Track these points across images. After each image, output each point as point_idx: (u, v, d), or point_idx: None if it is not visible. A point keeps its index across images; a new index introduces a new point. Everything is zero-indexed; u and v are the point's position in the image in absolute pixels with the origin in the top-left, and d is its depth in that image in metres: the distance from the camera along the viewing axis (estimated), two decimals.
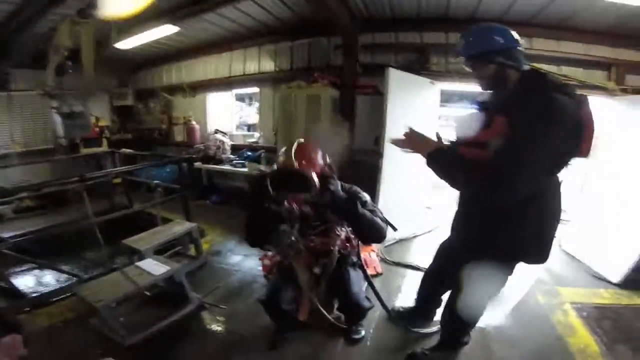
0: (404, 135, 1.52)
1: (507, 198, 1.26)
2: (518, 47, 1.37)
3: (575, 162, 1.35)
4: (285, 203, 1.67)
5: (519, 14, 3.33)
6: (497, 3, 3.21)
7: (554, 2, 2.98)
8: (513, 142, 1.20)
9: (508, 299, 2.43)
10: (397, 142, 1.56)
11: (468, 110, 1.55)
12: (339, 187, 1.64)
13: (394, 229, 1.83)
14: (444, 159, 1.39)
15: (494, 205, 1.34)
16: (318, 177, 1.56)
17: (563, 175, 1.39)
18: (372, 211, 1.70)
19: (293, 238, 1.79)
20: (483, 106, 1.45)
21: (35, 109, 5.31)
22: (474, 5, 3.31)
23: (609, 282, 2.74)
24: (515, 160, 1.19)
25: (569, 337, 2.09)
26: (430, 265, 2.02)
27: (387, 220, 1.78)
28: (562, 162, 1.33)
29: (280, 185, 1.56)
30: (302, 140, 1.70)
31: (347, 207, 1.61)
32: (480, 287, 1.52)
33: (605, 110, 3.13)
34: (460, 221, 1.64)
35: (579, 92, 1.33)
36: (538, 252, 1.43)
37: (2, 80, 4.43)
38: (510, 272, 1.53)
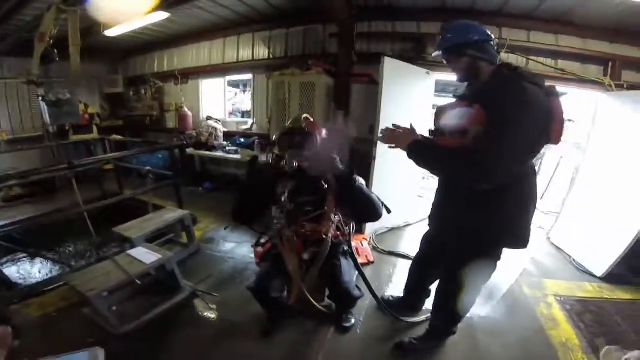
0: (385, 131, 1.63)
1: (489, 182, 1.32)
2: (490, 42, 1.48)
3: (547, 149, 1.45)
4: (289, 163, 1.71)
5: (518, 7, 3.30)
6: None
7: None
8: (489, 128, 1.27)
9: (496, 289, 2.49)
10: (381, 139, 1.65)
11: (448, 101, 1.65)
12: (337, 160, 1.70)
13: (389, 211, 1.89)
14: (422, 150, 1.49)
15: (472, 192, 1.41)
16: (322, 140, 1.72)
17: (537, 164, 1.47)
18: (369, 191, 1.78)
19: (281, 223, 1.82)
20: (462, 97, 1.54)
21: (22, 97, 5.19)
22: None
23: (594, 275, 2.78)
24: (493, 143, 1.25)
25: (552, 329, 2.14)
26: (416, 254, 2.07)
27: (382, 201, 1.83)
28: (535, 148, 1.40)
29: (284, 143, 1.74)
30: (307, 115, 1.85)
31: (345, 177, 1.68)
32: (469, 276, 1.56)
33: (600, 105, 3.15)
34: (439, 209, 1.73)
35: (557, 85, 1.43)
36: (517, 237, 1.49)
37: None
38: (497, 259, 1.58)
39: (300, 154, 1.67)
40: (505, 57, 3.51)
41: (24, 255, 3.39)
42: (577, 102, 3.84)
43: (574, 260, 3.03)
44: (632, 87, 3.23)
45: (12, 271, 3.22)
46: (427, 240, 1.98)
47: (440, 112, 1.61)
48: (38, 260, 3.35)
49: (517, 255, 2.96)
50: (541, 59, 3.55)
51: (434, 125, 1.60)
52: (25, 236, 3.20)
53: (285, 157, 1.70)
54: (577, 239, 3.11)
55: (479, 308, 2.26)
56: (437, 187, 1.75)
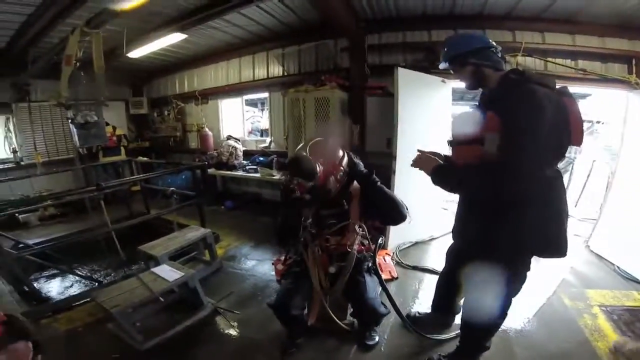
0: (415, 158, 1.68)
1: (513, 194, 1.32)
2: (491, 49, 1.51)
3: (572, 152, 1.40)
4: (296, 189, 1.75)
5: (528, 9, 3.23)
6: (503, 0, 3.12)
7: None
8: (505, 134, 1.28)
9: (532, 301, 2.35)
10: (412, 164, 1.69)
11: (464, 109, 1.67)
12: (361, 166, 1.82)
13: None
14: (444, 175, 1.53)
15: (494, 202, 1.41)
16: (326, 171, 1.70)
17: (568, 169, 1.43)
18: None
19: (306, 237, 1.83)
20: (477, 104, 1.58)
21: (55, 119, 5.54)
22: (481, 2, 3.22)
23: None
24: (512, 153, 1.26)
25: (598, 341, 1.99)
26: (443, 269, 2.02)
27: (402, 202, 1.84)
28: (558, 150, 1.40)
29: (292, 172, 1.74)
30: (319, 139, 1.82)
31: (367, 178, 1.75)
32: (495, 287, 1.49)
33: (630, 105, 2.99)
34: (461, 222, 1.71)
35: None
36: (549, 245, 1.42)
37: (22, 91, 4.57)
38: (526, 269, 1.53)
39: (301, 182, 1.71)
40: (522, 60, 3.44)
41: (56, 271, 3.55)
42: (604, 103, 3.66)
43: (618, 267, 2.83)
44: None
45: (44, 286, 3.37)
46: (452, 254, 1.94)
47: (456, 120, 1.63)
48: (68, 276, 3.50)
49: (554, 265, 2.83)
50: (560, 60, 3.44)
51: (452, 134, 1.59)
52: (57, 253, 3.36)
53: (292, 183, 1.75)
54: (620, 246, 2.91)
55: (515, 322, 2.14)
56: (459, 199, 1.73)
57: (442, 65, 1.65)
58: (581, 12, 3.14)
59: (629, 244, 2.80)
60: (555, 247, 1.42)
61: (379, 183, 1.77)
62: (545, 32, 3.42)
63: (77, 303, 2.49)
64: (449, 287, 1.96)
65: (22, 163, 5.14)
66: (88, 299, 2.47)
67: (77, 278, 3.45)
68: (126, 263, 3.51)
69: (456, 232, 1.77)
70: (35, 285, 2.95)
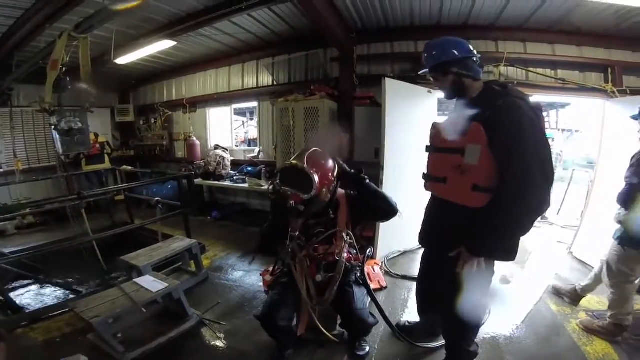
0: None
1: (544, 208, 1.37)
2: (472, 58, 1.48)
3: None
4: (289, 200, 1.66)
5: (511, 19, 3.37)
6: (487, 10, 3.25)
7: (543, 5, 3.01)
8: (504, 150, 1.30)
9: (519, 308, 2.37)
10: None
11: (443, 118, 1.69)
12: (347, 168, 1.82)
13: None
14: (489, 245, 1.42)
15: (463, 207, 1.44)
16: (321, 182, 1.67)
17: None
18: None
19: (293, 247, 1.79)
20: (458, 114, 1.53)
21: (37, 125, 5.41)
22: (466, 13, 3.36)
23: None
24: (527, 178, 1.27)
25: (586, 346, 2.01)
26: (418, 273, 2.01)
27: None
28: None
29: (285, 181, 1.68)
30: (315, 149, 1.80)
31: (356, 177, 1.76)
32: (468, 286, 1.49)
33: (606, 113, 3.11)
34: (430, 224, 1.76)
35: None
36: (504, 252, 1.45)
37: (4, 95, 4.43)
38: (492, 265, 1.54)
39: (296, 193, 1.64)
40: (504, 70, 3.56)
41: (33, 281, 3.43)
42: (582, 112, 3.82)
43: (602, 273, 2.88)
44: (635, 92, 3.22)
45: (20, 296, 3.23)
46: (424, 258, 1.95)
47: (436, 127, 1.63)
48: (46, 286, 3.38)
49: (539, 272, 2.85)
50: (540, 70, 3.57)
51: (429, 141, 1.62)
52: (36, 263, 3.24)
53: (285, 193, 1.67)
54: (602, 252, 2.96)
55: (504, 328, 2.16)
56: (428, 202, 1.76)
57: (423, 72, 1.62)
58: (560, 22, 3.29)
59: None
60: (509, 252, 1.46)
61: (367, 180, 1.77)
62: (526, 42, 3.57)
63: (55, 313, 2.39)
64: (425, 290, 1.97)
65: (1, 170, 4.96)
66: (67, 309, 2.36)
67: (56, 288, 3.33)
68: (107, 274, 3.40)
69: (425, 233, 1.80)
70: (10, 295, 2.82)
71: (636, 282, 2.04)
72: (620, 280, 2.01)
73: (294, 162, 1.69)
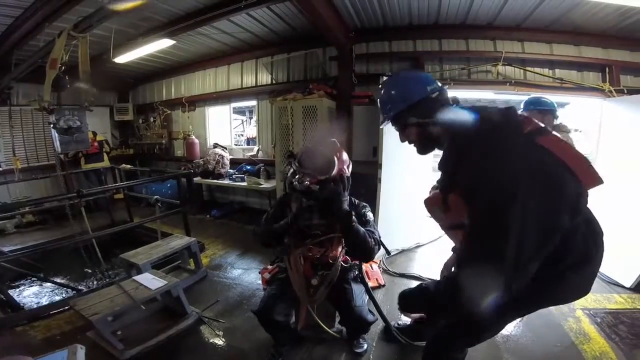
0: None
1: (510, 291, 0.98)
2: (432, 95, 1.20)
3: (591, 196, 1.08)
4: (304, 182, 1.62)
5: (510, 18, 3.37)
6: (485, 9, 3.26)
7: (542, 4, 3.01)
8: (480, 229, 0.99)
9: None
10: None
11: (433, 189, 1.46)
12: (346, 198, 1.67)
13: (388, 252, 1.92)
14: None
15: None
16: (340, 166, 1.66)
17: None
18: (369, 232, 1.70)
19: (289, 243, 1.80)
20: (438, 181, 1.30)
21: (36, 124, 5.40)
22: (463, 12, 3.36)
23: (622, 286, 2.67)
24: (492, 250, 0.95)
25: (584, 344, 2.03)
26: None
27: (381, 242, 1.81)
28: (551, 221, 0.97)
29: (304, 160, 1.67)
30: (332, 139, 1.81)
31: (343, 219, 1.61)
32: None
33: (605, 113, 3.12)
34: None
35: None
36: None
37: (3, 94, 4.42)
38: None
39: (314, 175, 1.62)
40: (502, 69, 3.57)
41: (33, 279, 3.44)
42: (581, 111, 3.82)
43: (599, 272, 2.90)
44: (632, 91, 3.22)
45: (20, 294, 3.25)
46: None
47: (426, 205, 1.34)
48: (46, 284, 3.38)
49: None
50: (538, 70, 3.58)
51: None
52: (35, 261, 3.25)
53: (301, 174, 1.64)
54: None
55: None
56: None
57: (384, 125, 1.36)
58: (558, 21, 3.29)
59: (609, 249, 2.87)
60: None
61: (355, 225, 1.62)
62: (524, 41, 3.57)
63: (54, 311, 2.40)
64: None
65: (0, 169, 4.96)
66: (66, 307, 2.38)
67: (55, 286, 3.34)
68: (107, 271, 3.41)
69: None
70: (10, 293, 2.83)
71: None
72: None
73: (308, 144, 1.71)
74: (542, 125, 1.09)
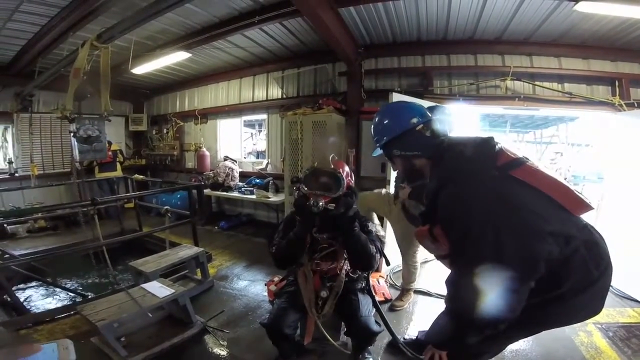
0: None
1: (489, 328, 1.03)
2: (416, 128, 1.22)
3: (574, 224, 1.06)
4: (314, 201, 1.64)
5: (517, 32, 3.40)
6: (493, 24, 3.30)
7: (549, 18, 3.03)
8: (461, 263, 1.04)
9: None
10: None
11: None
12: (355, 208, 1.70)
13: (388, 263, 1.91)
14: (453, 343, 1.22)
15: None
16: (347, 180, 1.71)
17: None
18: (371, 240, 1.73)
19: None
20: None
21: (54, 132, 5.58)
22: (472, 27, 3.41)
23: (635, 300, 2.64)
24: (470, 285, 0.96)
25: (595, 358, 1.99)
26: None
27: (382, 252, 1.82)
28: (532, 254, 0.98)
29: (309, 186, 1.70)
30: (335, 156, 1.88)
31: (345, 223, 1.65)
32: None
33: (615, 127, 3.09)
34: None
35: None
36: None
37: (25, 101, 4.57)
38: None
39: (325, 195, 1.66)
40: (511, 84, 3.57)
41: (41, 283, 3.48)
42: (590, 126, 3.78)
43: (611, 286, 2.81)
44: None
45: (28, 297, 3.29)
46: None
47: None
48: (54, 289, 3.42)
49: None
50: (547, 84, 3.56)
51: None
52: (45, 266, 3.29)
53: (311, 197, 1.66)
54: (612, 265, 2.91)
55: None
56: None
57: (378, 153, 1.41)
58: (566, 35, 3.30)
59: (621, 263, 2.79)
60: None
61: (356, 230, 1.66)
62: (532, 55, 3.58)
63: (60, 316, 2.42)
64: None
65: (17, 174, 5.10)
66: (71, 312, 2.40)
67: (63, 291, 3.38)
68: (115, 278, 3.44)
69: None
70: (18, 295, 2.89)
71: None
72: None
73: (316, 165, 1.78)
74: (517, 156, 1.10)
